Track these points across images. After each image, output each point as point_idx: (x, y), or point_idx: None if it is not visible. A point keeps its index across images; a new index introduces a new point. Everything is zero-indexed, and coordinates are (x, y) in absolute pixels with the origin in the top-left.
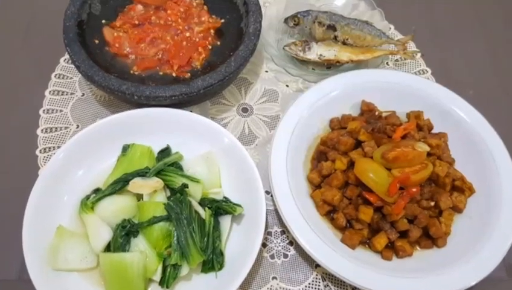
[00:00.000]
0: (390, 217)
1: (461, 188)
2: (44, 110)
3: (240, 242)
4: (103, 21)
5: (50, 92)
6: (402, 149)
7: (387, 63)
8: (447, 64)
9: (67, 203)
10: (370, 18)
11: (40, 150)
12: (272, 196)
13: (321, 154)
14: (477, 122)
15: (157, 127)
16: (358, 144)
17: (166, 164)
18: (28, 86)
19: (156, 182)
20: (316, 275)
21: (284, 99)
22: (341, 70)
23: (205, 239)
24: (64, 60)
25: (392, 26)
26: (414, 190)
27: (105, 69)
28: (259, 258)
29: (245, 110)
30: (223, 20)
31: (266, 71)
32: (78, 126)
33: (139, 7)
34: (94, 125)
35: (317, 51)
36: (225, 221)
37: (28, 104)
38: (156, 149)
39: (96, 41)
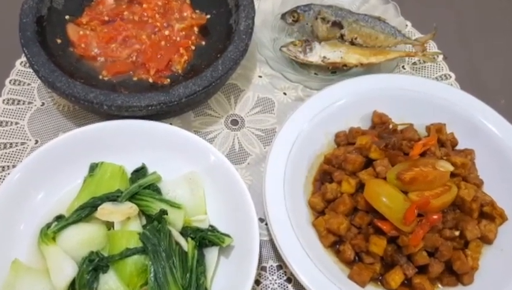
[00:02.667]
0: (406, 250)
1: (491, 214)
2: None
3: (229, 279)
4: (67, 17)
5: (4, 100)
6: (421, 169)
7: (403, 66)
8: (474, 68)
9: (24, 233)
10: (383, 13)
11: None
12: (266, 224)
13: (325, 174)
14: (510, 137)
15: (130, 142)
16: (368, 162)
17: (141, 186)
18: None
19: (129, 208)
20: None
21: (281, 110)
22: (348, 76)
23: (187, 275)
24: (20, 63)
25: (409, 23)
26: (435, 217)
27: (69, 74)
28: None
29: (235, 122)
30: (208, 16)
31: (260, 76)
32: (37, 141)
33: (109, 1)
34: (56, 140)
35: (321, 53)
36: (211, 254)
37: None
38: (130, 169)
39: (59, 41)
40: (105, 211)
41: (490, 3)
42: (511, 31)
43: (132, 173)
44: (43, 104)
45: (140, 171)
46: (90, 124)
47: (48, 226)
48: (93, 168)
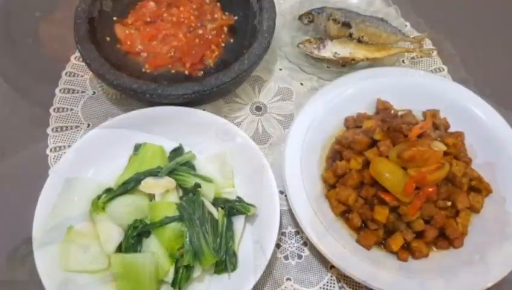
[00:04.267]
0: (406, 218)
1: (478, 188)
2: (54, 109)
3: (254, 243)
4: (114, 18)
5: (60, 90)
6: (418, 148)
7: (403, 61)
8: (464, 62)
9: (77, 204)
10: (385, 15)
11: (51, 149)
12: (285, 195)
13: (336, 153)
14: (495, 121)
15: (169, 126)
16: (373, 143)
17: (178, 164)
18: (39, 84)
19: (168, 182)
20: (331, 276)
21: (299, 98)
22: (356, 68)
23: (218, 240)
24: (75, 58)
25: (408, 24)
26: (430, 189)
27: (116, 67)
28: (273, 259)
29: (259, 108)
30: (236, 17)
31: (280, 69)
32: (89, 125)
33: (151, 4)
34: (105, 124)
35: (332, 49)
36: (238, 221)
37: (38, 102)
38: (168, 148)
39: (108, 39)
40: (148, 184)
41: (478, 8)
42: (496, 31)
43: (170, 152)
44: (94, 93)
45: (178, 151)
46: (135, 110)
47: (98, 197)
48: (137, 148)
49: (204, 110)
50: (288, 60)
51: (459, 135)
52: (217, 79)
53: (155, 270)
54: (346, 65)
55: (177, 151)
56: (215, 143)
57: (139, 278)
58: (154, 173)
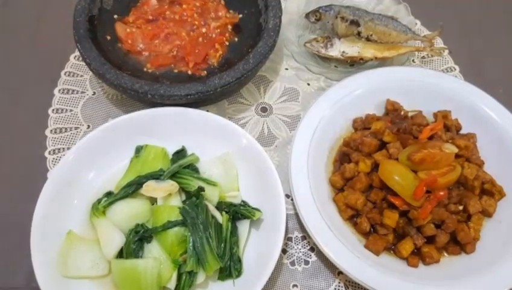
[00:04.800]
0: (416, 222)
1: (491, 191)
2: (53, 110)
3: (259, 248)
4: (115, 16)
5: (59, 90)
6: (429, 150)
7: (413, 60)
8: (476, 61)
9: (77, 208)
10: (395, 13)
11: (49, 152)
12: (292, 199)
13: (344, 156)
14: (508, 122)
15: (172, 127)
16: (382, 145)
17: (181, 166)
18: (37, 84)
19: (170, 185)
20: (339, 282)
21: (305, 98)
22: (365, 68)
23: (222, 245)
24: (74, 57)
25: (419, 22)
26: (441, 193)
27: (117, 67)
28: (279, 265)
29: (264, 109)
30: (240, 15)
31: (286, 69)
32: (89, 126)
33: (153, 2)
34: (106, 125)
35: (340, 48)
36: (243, 226)
37: (36, 103)
38: (171, 150)
39: (108, 38)
40: (150, 188)
41: (490, 5)
42: (509, 29)
43: (173, 155)
44: (94, 93)
45: (181, 153)
46: (136, 111)
47: (99, 201)
48: (138, 150)
49: (207, 111)
50: (295, 60)
51: (471, 137)
52: (221, 79)
53: (157, 276)
54: (354, 65)
55: (180, 153)
56: (219, 145)
57: (140, 284)
58: (156, 176)
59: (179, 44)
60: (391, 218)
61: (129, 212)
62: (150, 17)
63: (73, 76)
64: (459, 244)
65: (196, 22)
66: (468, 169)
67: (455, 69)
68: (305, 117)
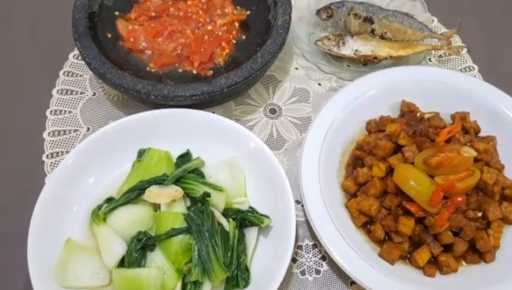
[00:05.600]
0: (433, 229)
1: (511, 197)
2: (51, 111)
3: (268, 257)
4: (116, 13)
5: (58, 91)
6: (446, 154)
7: (429, 59)
8: (496, 60)
9: (76, 214)
10: (411, 10)
11: (47, 155)
12: (302, 205)
13: (357, 159)
14: None
15: (176, 130)
16: (397, 148)
17: (186, 171)
18: (34, 85)
19: (174, 191)
20: None
21: (316, 99)
22: (379, 67)
23: (229, 253)
24: (73, 56)
25: (436, 19)
26: (459, 199)
27: (118, 66)
28: (289, 275)
29: (273, 111)
30: (248, 12)
31: (296, 68)
32: (88, 129)
33: None
34: (106, 127)
35: (353, 46)
36: (251, 233)
37: (33, 104)
38: (175, 154)
39: (109, 35)
40: (153, 193)
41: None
42: None
43: (177, 158)
44: (94, 94)
45: (185, 157)
46: (138, 112)
47: (99, 207)
48: (141, 153)
49: (213, 112)
50: (305, 59)
51: (490, 140)
52: (227, 79)
53: (161, 286)
54: (367, 64)
55: (185, 157)
56: (225, 148)
57: None
58: (159, 181)
59: (183, 42)
60: (407, 225)
61: (131, 219)
62: (153, 14)
63: (72, 76)
64: (478, 253)
65: (201, 19)
66: (488, 174)
67: (474, 69)
68: (316, 119)
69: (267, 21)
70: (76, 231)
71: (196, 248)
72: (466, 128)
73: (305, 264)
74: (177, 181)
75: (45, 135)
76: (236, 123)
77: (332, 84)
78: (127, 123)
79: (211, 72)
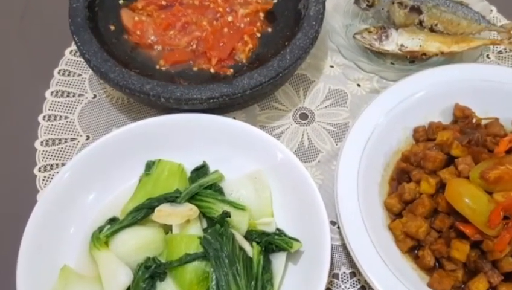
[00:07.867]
0: (491, 255)
1: None
2: (44, 117)
3: (298, 287)
4: (121, 1)
5: (52, 93)
6: (507, 167)
7: (487, 55)
8: None
9: (74, 237)
10: None
11: (40, 168)
12: (338, 227)
13: (402, 173)
14: None
15: (190, 138)
16: (450, 160)
17: (202, 186)
18: (24, 86)
19: (188, 210)
20: None
21: (355, 103)
22: (428, 65)
23: (253, 283)
24: (70, 52)
25: (494, 8)
26: None
27: (123, 64)
28: None
29: (304, 116)
30: (275, 1)
31: (331, 66)
32: (88, 137)
33: None
34: (109, 136)
35: (398, 40)
36: (278, 260)
37: (23, 109)
38: (189, 167)
39: (112, 28)
40: (163, 213)
41: None
42: None
43: (192, 172)
44: (94, 96)
45: (201, 170)
46: (146, 118)
47: (100, 229)
48: (149, 166)
49: (234, 118)
50: (342, 55)
51: None
52: (250, 79)
53: None
54: (415, 61)
55: (201, 170)
56: (248, 160)
57: None
58: (171, 198)
59: (199, 36)
60: (460, 250)
61: (137, 243)
62: (164, 3)
63: (69, 75)
64: None
65: (220, 9)
66: None
67: None
68: (355, 126)
69: (297, 11)
70: (73, 256)
71: (214, 277)
72: None
73: None
74: (192, 198)
75: (37, 144)
76: (261, 131)
77: (374, 85)
78: (132, 131)
79: (232, 70)
